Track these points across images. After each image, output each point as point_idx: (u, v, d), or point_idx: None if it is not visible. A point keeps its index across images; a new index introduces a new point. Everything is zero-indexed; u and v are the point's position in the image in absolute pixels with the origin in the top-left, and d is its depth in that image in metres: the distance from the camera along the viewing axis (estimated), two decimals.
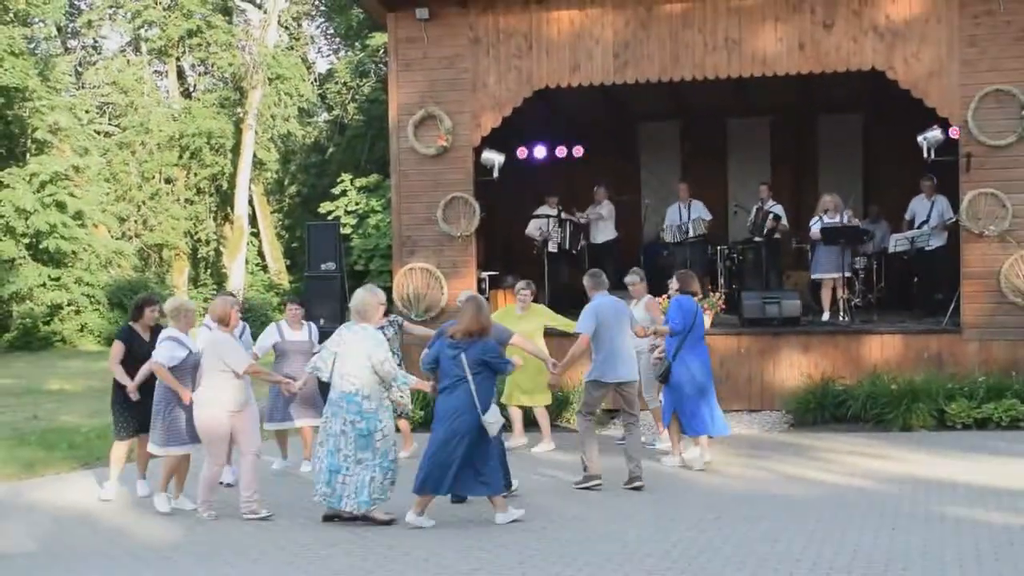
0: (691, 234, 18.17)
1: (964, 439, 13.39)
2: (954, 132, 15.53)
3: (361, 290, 10.15)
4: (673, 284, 12.60)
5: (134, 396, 10.87)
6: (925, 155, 15.74)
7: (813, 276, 16.93)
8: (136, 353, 11.08)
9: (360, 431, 9.65)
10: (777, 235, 17.94)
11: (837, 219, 16.55)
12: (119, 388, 11.06)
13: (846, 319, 16.24)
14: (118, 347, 11.14)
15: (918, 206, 17.10)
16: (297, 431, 12.70)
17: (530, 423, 13.75)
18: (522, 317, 13.23)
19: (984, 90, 15.02)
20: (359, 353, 9.68)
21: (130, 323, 11.34)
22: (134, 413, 11.02)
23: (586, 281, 11.72)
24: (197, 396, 10.23)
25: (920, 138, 15.71)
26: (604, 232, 19.08)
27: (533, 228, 18.34)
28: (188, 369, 10.48)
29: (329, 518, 9.93)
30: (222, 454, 10.50)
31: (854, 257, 16.89)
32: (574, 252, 18.58)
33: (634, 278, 13.40)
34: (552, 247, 18.09)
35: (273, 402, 12.49)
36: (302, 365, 11.34)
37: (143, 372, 10.83)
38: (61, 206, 33.65)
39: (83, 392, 21.87)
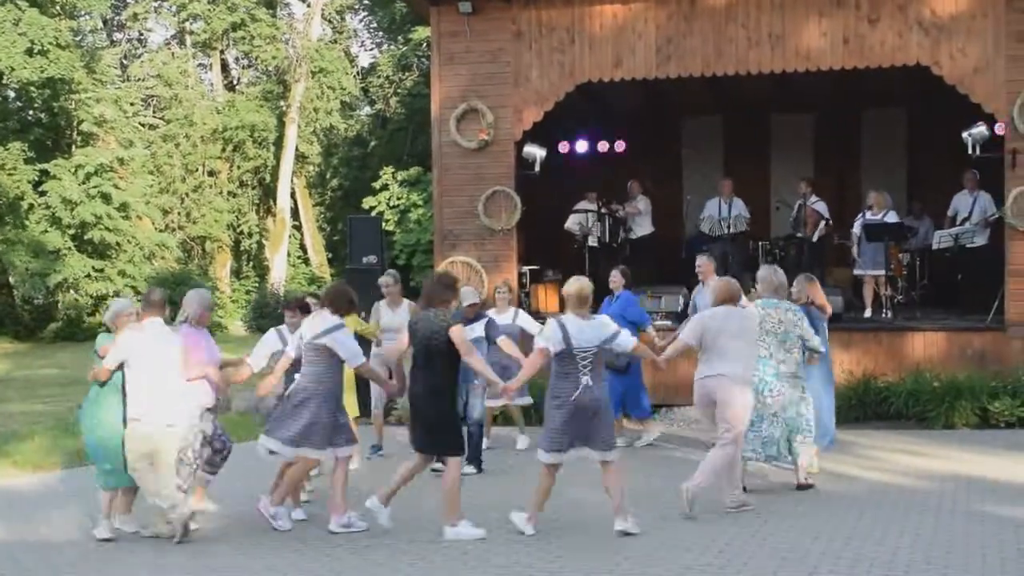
0: (729, 231, 18.11)
1: (1007, 437, 13.30)
2: (1000, 128, 15.40)
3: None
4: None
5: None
6: (970, 151, 15.63)
7: (855, 272, 16.84)
8: None
9: None
10: (823, 231, 17.82)
11: (880, 216, 16.44)
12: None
13: (889, 316, 16.14)
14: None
15: (960, 202, 16.96)
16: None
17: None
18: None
19: None
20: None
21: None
22: None
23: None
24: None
25: (965, 134, 15.60)
26: (642, 227, 19.03)
27: (572, 223, 18.32)
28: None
29: None
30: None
31: (892, 257, 16.77)
32: (614, 246, 18.55)
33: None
34: (592, 241, 18.08)
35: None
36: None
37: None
38: (106, 197, 33.93)
39: None
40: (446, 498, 9.10)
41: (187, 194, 40.47)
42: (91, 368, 9.66)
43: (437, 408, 9.11)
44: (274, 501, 9.48)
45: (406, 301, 13.16)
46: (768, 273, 10.75)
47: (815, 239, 17.65)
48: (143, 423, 9.09)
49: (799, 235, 17.95)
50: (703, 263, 13.16)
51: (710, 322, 9.83)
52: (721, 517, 9.55)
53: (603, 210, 18.53)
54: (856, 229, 16.65)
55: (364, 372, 9.96)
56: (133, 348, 9.30)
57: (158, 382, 9.19)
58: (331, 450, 9.41)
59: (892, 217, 16.55)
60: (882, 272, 16.26)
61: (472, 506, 9.47)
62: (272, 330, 11.32)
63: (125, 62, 43.43)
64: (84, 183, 33.85)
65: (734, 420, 9.62)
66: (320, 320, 9.50)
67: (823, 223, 17.63)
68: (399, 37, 41.10)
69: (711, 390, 9.72)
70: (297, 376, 9.59)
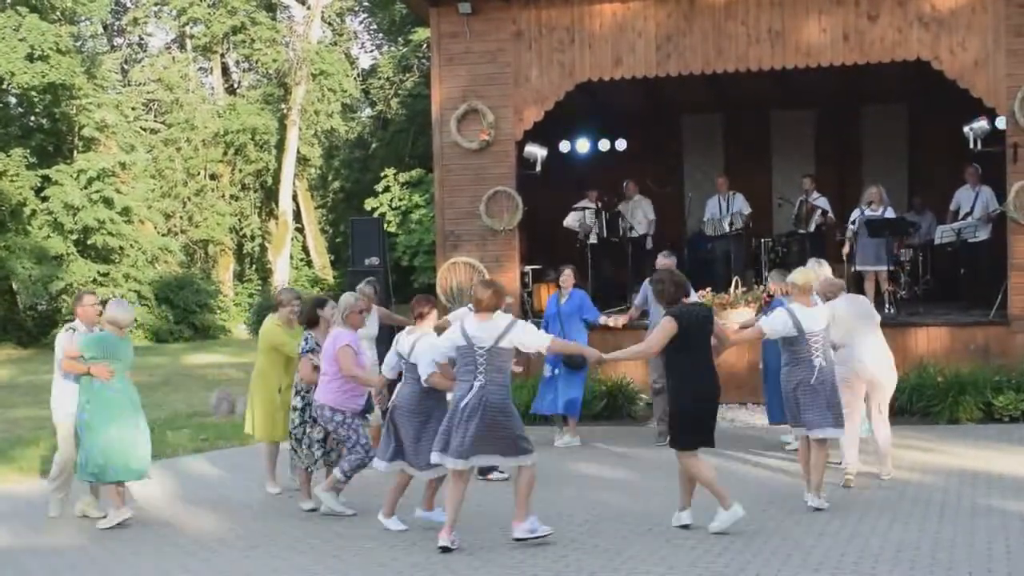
0: (730, 228, 18.11)
1: (1012, 432, 13.28)
2: (1001, 122, 15.39)
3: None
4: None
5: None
6: (971, 146, 15.63)
7: (856, 268, 16.83)
8: None
9: None
10: (824, 227, 17.85)
11: (880, 211, 16.43)
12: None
13: (892, 311, 16.13)
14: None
15: (963, 197, 16.94)
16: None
17: None
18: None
19: None
20: None
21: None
22: None
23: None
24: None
25: (966, 128, 15.59)
26: (642, 225, 19.02)
27: (572, 219, 18.32)
28: None
29: None
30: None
31: (899, 249, 16.76)
32: (615, 240, 18.55)
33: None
34: (593, 239, 18.09)
35: None
36: None
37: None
38: (108, 202, 33.98)
39: None
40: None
41: (189, 198, 40.53)
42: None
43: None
44: (518, 516, 8.84)
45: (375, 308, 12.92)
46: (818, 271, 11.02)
47: (811, 228, 17.65)
48: None
49: (801, 232, 17.95)
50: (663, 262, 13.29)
51: (842, 312, 10.45)
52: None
53: (600, 207, 18.54)
54: (852, 224, 16.62)
55: (553, 347, 9.41)
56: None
57: None
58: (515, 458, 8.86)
59: (890, 212, 16.54)
60: (884, 268, 16.24)
61: (472, 510, 9.46)
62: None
63: (126, 67, 43.50)
64: (86, 188, 33.88)
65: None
66: (494, 324, 8.83)
67: (818, 212, 17.63)
68: (399, 38, 41.20)
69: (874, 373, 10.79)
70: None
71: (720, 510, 8.88)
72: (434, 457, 8.83)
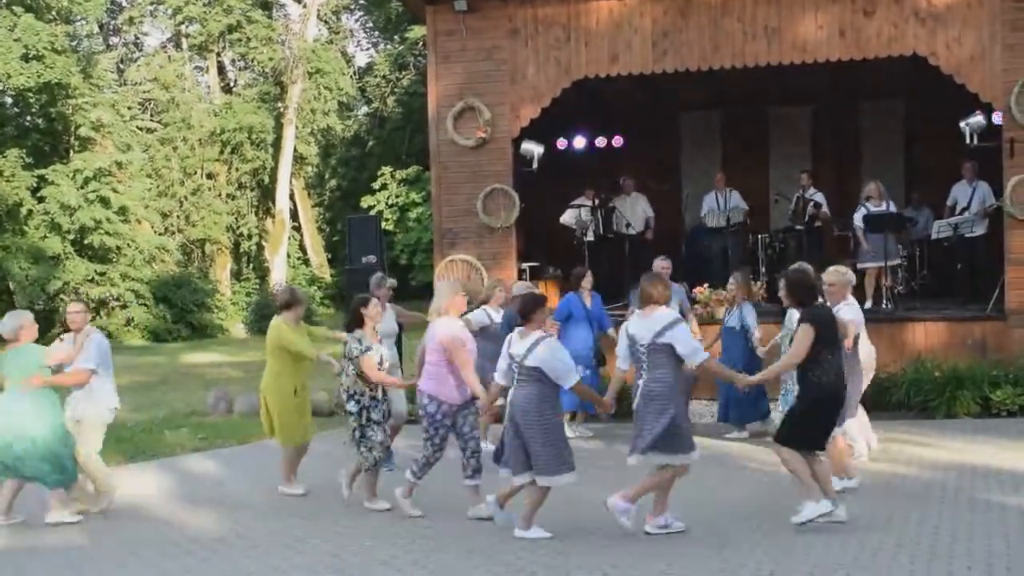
0: (728, 224, 18.13)
1: (1009, 426, 13.30)
2: (997, 117, 15.40)
3: None
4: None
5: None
6: (968, 141, 15.62)
7: (859, 265, 16.83)
8: None
9: None
10: (818, 223, 17.88)
11: (883, 207, 16.44)
12: None
13: (889, 306, 16.14)
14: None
15: (959, 192, 16.96)
16: None
17: None
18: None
19: None
20: None
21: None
22: None
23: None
24: None
25: (963, 124, 15.59)
26: (640, 222, 19.02)
27: (568, 217, 18.33)
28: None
29: None
30: None
31: (898, 244, 16.77)
32: (610, 236, 18.55)
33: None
34: (590, 236, 18.09)
35: None
36: None
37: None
38: (105, 202, 33.94)
39: (129, 386, 22.04)
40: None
41: (186, 197, 40.47)
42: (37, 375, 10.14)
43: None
44: (656, 511, 8.89)
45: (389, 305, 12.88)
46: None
47: (805, 221, 17.67)
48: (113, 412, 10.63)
49: (798, 228, 17.97)
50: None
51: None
52: (720, 512, 9.56)
53: (597, 204, 18.55)
54: (858, 221, 16.62)
55: (709, 367, 9.30)
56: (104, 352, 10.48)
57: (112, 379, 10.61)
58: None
59: (892, 208, 16.55)
60: (884, 263, 16.25)
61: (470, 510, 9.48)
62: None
63: (121, 66, 43.45)
64: (82, 188, 33.84)
65: None
66: (655, 318, 8.79)
67: (811, 204, 17.66)
68: (395, 36, 41.21)
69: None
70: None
71: (809, 502, 8.84)
72: (631, 460, 8.82)
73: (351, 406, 10.17)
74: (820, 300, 9.45)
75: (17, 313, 10.56)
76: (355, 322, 10.26)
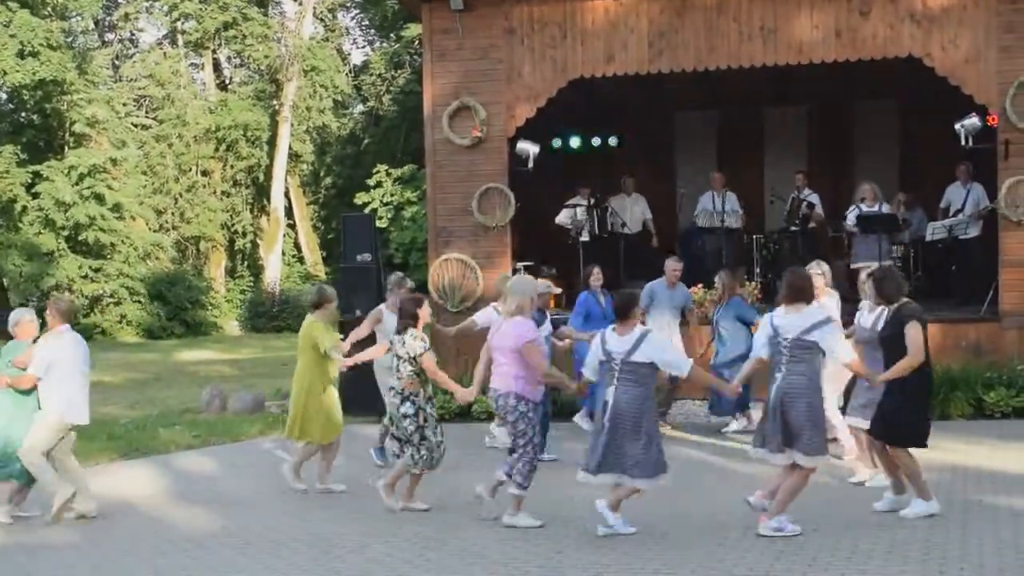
0: (723, 224, 18.12)
1: (1002, 427, 13.32)
2: (992, 119, 15.41)
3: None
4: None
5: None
6: (963, 142, 15.63)
7: (852, 266, 16.84)
8: None
9: None
10: (812, 224, 17.89)
11: (876, 208, 16.46)
12: None
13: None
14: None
15: (954, 194, 16.97)
16: None
17: None
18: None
19: (1022, 76, 14.88)
20: None
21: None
22: None
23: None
24: None
25: (958, 125, 15.60)
26: (637, 223, 19.02)
27: (564, 216, 18.32)
28: None
29: None
30: None
31: (891, 245, 16.78)
32: (605, 236, 18.55)
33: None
34: (585, 236, 18.08)
35: None
36: None
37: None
38: (99, 198, 33.96)
39: (123, 384, 22.09)
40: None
41: (181, 194, 40.47)
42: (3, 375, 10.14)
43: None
44: (773, 511, 8.74)
45: None
46: None
47: (799, 222, 17.69)
48: (66, 418, 10.13)
49: (793, 228, 17.96)
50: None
51: None
52: (718, 509, 9.56)
53: (593, 204, 18.54)
54: (850, 221, 16.63)
55: (854, 368, 9.34)
56: (56, 353, 10.13)
57: (79, 383, 10.21)
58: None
59: (885, 209, 16.57)
60: (876, 264, 16.25)
61: (468, 504, 9.47)
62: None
63: (117, 63, 43.43)
64: (77, 184, 33.85)
65: None
66: (805, 315, 8.76)
67: (804, 204, 17.67)
68: (391, 35, 41.16)
69: None
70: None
71: (917, 499, 9.03)
72: (758, 454, 8.89)
73: (406, 408, 9.91)
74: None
75: (21, 311, 10.58)
76: (411, 322, 10.06)
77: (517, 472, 9.33)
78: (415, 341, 9.94)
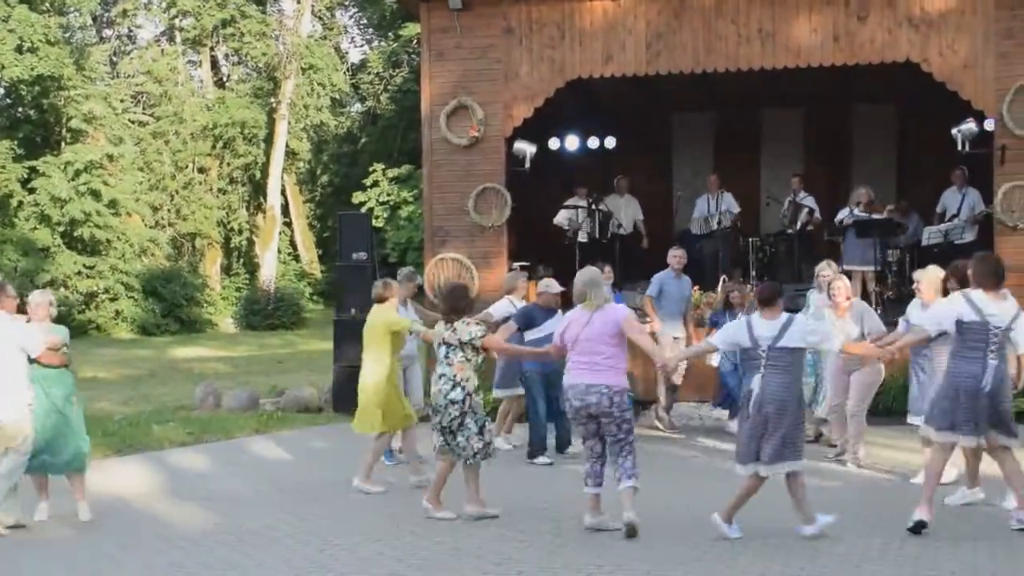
0: (718, 226, 18.13)
1: None
2: (989, 125, 15.43)
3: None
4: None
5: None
6: (960, 147, 15.66)
7: (843, 268, 16.84)
8: None
9: None
10: (810, 227, 17.90)
11: (869, 216, 16.46)
12: None
13: (879, 312, 16.14)
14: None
15: (949, 199, 16.99)
16: None
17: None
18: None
19: (1020, 82, 14.93)
20: None
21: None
22: None
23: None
24: None
25: (954, 130, 15.63)
26: (629, 224, 19.01)
27: (562, 217, 18.32)
28: None
29: None
30: None
31: (887, 250, 16.79)
32: (604, 241, 18.55)
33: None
34: (582, 237, 18.08)
35: None
36: None
37: None
38: (96, 194, 33.92)
39: (118, 380, 22.08)
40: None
41: (177, 191, 40.45)
42: None
43: None
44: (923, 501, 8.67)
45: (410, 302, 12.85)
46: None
47: (798, 228, 17.71)
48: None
49: (789, 231, 17.98)
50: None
51: None
52: (714, 510, 9.55)
53: (592, 205, 18.53)
54: (841, 217, 16.65)
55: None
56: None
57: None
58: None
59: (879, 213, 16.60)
60: (871, 268, 16.27)
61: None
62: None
63: (114, 59, 43.40)
64: (73, 180, 33.81)
65: None
66: (1009, 303, 8.60)
67: (805, 211, 17.70)
68: (389, 33, 41.15)
69: None
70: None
71: (963, 488, 9.51)
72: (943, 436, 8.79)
73: (455, 393, 9.57)
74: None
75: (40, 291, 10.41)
76: (460, 311, 9.86)
77: (632, 468, 8.90)
78: (473, 327, 9.73)
